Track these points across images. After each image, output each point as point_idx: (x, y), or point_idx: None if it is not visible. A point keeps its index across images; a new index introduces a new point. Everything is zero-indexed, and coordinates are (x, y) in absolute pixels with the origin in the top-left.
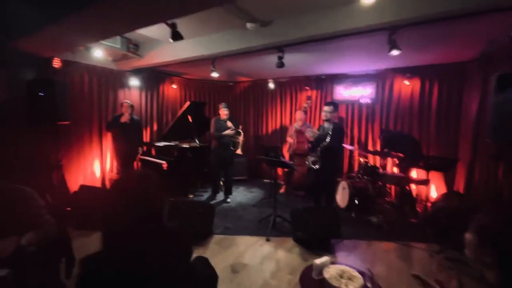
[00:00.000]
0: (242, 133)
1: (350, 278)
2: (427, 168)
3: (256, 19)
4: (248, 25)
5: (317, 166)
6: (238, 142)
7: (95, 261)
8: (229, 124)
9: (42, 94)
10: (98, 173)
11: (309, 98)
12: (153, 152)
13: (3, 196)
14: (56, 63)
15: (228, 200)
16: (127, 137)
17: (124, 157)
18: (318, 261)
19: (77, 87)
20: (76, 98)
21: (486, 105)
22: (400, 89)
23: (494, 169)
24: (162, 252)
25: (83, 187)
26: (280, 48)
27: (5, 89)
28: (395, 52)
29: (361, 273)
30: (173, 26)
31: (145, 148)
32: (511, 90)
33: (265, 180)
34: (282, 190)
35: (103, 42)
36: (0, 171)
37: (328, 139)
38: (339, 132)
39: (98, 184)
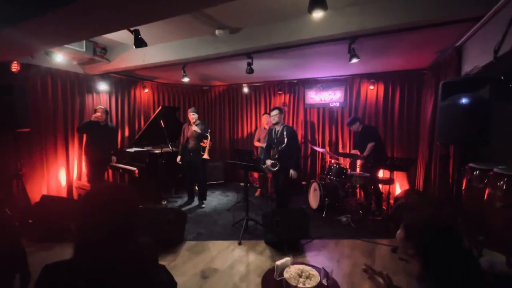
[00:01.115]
0: (208, 137)
1: (308, 277)
2: (391, 168)
3: (225, 26)
4: (217, 31)
5: (276, 168)
6: (205, 147)
7: (58, 269)
8: (193, 127)
9: None
10: (63, 182)
11: (284, 104)
12: (125, 158)
13: None
14: (14, 67)
15: (203, 205)
16: (101, 142)
17: (96, 164)
18: (279, 262)
19: (39, 92)
20: (38, 104)
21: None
22: (367, 94)
23: (445, 169)
24: (129, 265)
25: (45, 197)
26: (249, 55)
27: None
28: (354, 60)
29: (319, 271)
30: (136, 33)
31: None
32: (454, 96)
33: (241, 184)
34: (257, 193)
35: (67, 46)
36: None
37: (285, 142)
38: (293, 133)
39: (64, 194)
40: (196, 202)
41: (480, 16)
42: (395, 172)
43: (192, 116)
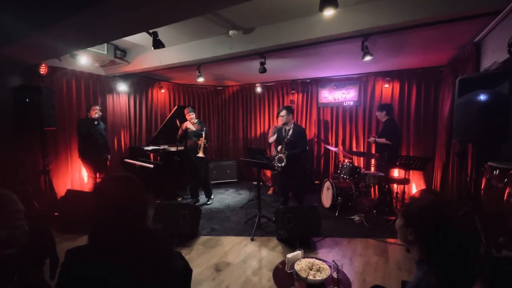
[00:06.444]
0: (203, 136)
1: (319, 270)
2: (406, 168)
3: (238, 26)
4: (231, 32)
5: (283, 164)
6: (200, 145)
7: (80, 252)
8: (187, 125)
9: (29, 101)
10: (86, 178)
11: (292, 102)
12: (142, 156)
13: None
14: (43, 69)
15: (209, 202)
16: (100, 141)
17: (98, 162)
18: (290, 255)
19: (64, 93)
20: (64, 104)
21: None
22: (382, 92)
23: (463, 168)
24: (143, 249)
25: (69, 192)
26: (261, 54)
27: None
28: (368, 58)
29: (330, 265)
30: (154, 35)
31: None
32: (472, 93)
33: (254, 183)
34: (270, 192)
35: (90, 48)
36: None
37: (295, 142)
38: (303, 134)
39: (86, 189)
40: (203, 200)
41: (499, 10)
42: (411, 172)
43: (191, 115)
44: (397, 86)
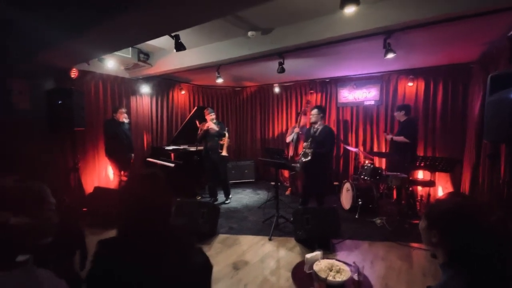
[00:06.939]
0: (226, 135)
1: (338, 271)
2: (432, 169)
3: (257, 27)
4: (249, 33)
5: (307, 159)
6: (223, 144)
7: (111, 243)
8: (210, 125)
9: (61, 103)
10: (111, 175)
11: (308, 102)
12: (163, 155)
13: (18, 189)
14: (73, 73)
15: (227, 201)
16: (125, 140)
17: (123, 161)
18: (310, 255)
19: (92, 95)
20: (92, 105)
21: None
22: (405, 91)
23: (494, 169)
24: (167, 245)
25: (97, 189)
26: (280, 54)
27: (29, 99)
28: (390, 56)
29: (350, 267)
30: (176, 38)
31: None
32: (504, 90)
33: (271, 183)
34: (288, 192)
35: (116, 52)
36: (23, 174)
37: (322, 143)
38: (331, 135)
39: (112, 186)
40: (221, 199)
41: None
42: (436, 174)
43: (212, 116)
44: (421, 84)
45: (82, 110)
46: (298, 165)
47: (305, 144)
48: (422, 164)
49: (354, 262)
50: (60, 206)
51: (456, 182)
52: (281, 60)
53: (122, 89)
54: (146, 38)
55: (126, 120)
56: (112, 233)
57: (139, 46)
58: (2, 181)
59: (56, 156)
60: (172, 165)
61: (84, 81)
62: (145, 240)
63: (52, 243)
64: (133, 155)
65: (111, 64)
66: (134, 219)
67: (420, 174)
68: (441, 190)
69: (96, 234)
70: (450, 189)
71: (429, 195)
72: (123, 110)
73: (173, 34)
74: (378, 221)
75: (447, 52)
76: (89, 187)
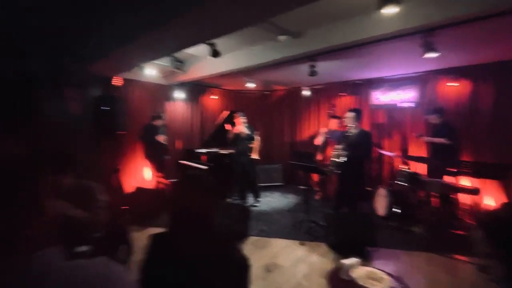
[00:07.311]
0: (257, 138)
1: (378, 280)
2: (478, 175)
3: (287, 31)
4: (280, 37)
5: (342, 159)
6: (253, 147)
7: (161, 236)
8: (241, 129)
9: (106, 109)
10: (149, 176)
11: (333, 105)
12: (196, 158)
13: (76, 186)
14: (117, 81)
15: (256, 204)
16: (162, 144)
17: (159, 163)
18: (346, 261)
19: (133, 101)
20: (132, 110)
21: None
22: (445, 92)
23: None
24: (211, 243)
25: (138, 189)
26: (311, 58)
27: (81, 105)
28: (431, 55)
29: (389, 276)
30: (212, 45)
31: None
32: None
33: (300, 187)
34: (317, 197)
35: (155, 61)
36: (76, 174)
37: (359, 146)
38: (369, 138)
39: (148, 186)
40: (250, 201)
41: None
42: (481, 181)
43: (243, 120)
44: (464, 84)
45: (123, 116)
46: (330, 168)
47: (336, 146)
48: (466, 170)
49: (393, 273)
50: (107, 204)
51: (507, 190)
52: (313, 64)
53: (159, 95)
54: (184, 47)
55: (162, 125)
56: (151, 230)
57: (175, 54)
58: (64, 179)
59: (101, 157)
60: (205, 167)
61: (126, 88)
62: (192, 238)
63: (101, 237)
64: (168, 157)
65: (150, 72)
66: (182, 218)
67: (463, 181)
68: (489, 198)
69: (137, 231)
70: (501, 198)
71: (475, 204)
72: (161, 115)
73: (209, 42)
74: (416, 229)
75: (496, 48)
76: (127, 187)
